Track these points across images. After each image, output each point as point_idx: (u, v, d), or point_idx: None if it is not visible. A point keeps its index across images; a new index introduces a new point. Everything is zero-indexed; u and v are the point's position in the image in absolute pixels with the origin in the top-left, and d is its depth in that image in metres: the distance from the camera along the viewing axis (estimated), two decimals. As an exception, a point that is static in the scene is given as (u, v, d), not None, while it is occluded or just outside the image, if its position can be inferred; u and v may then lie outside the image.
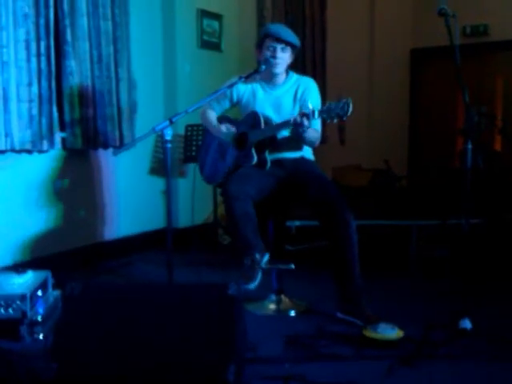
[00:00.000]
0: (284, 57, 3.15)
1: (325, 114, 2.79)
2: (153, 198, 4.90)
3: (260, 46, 3.19)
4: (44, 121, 3.92)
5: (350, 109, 2.71)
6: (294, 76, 3.29)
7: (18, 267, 3.30)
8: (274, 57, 3.12)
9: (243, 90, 3.30)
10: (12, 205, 3.89)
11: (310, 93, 3.22)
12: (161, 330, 2.15)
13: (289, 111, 3.17)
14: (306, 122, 2.82)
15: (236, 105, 3.39)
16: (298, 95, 3.22)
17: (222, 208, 4.38)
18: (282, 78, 3.26)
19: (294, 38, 3.15)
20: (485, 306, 3.17)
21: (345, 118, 2.74)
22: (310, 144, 3.21)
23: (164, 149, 2.74)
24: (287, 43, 3.12)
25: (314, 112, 2.80)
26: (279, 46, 3.12)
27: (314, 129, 3.10)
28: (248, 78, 3.12)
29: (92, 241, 4.46)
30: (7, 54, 3.67)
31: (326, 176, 3.26)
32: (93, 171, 4.49)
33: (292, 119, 2.88)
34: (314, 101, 3.16)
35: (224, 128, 3.30)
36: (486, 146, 6.24)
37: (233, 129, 3.28)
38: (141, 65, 4.74)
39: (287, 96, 3.24)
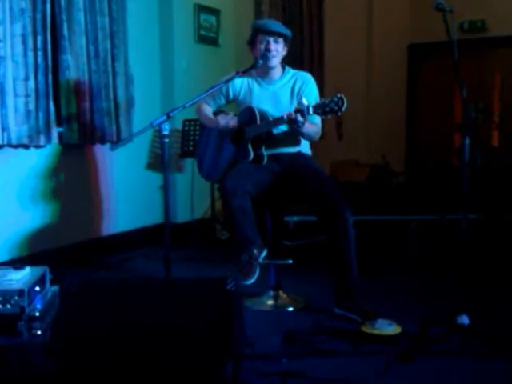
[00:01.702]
0: (278, 48, 3.17)
1: (319, 109, 2.80)
2: (150, 193, 4.89)
3: (252, 42, 3.21)
4: (41, 115, 3.91)
5: (345, 104, 2.71)
6: (291, 71, 3.29)
7: (16, 263, 3.30)
8: (269, 49, 3.13)
9: (239, 86, 3.29)
10: (9, 200, 3.88)
11: (308, 87, 3.22)
12: (159, 325, 2.14)
13: (286, 106, 3.16)
14: (300, 118, 2.82)
15: (232, 101, 3.38)
16: (296, 90, 3.22)
17: (219, 203, 4.37)
18: (278, 72, 3.26)
19: (285, 29, 3.19)
20: (482, 301, 3.18)
21: (339, 114, 2.75)
22: (310, 138, 3.21)
23: (161, 143, 2.74)
24: (279, 34, 3.15)
25: (308, 108, 2.81)
26: (271, 39, 3.14)
27: (314, 123, 3.10)
28: (245, 73, 3.12)
29: (89, 236, 4.45)
30: (4, 48, 3.66)
31: (323, 171, 3.25)
32: (90, 166, 4.48)
33: (286, 116, 2.89)
34: (312, 95, 3.18)
35: (222, 120, 3.26)
36: (483, 141, 6.24)
37: (232, 119, 3.24)
38: (138, 59, 4.73)
39: (284, 91, 3.24)
